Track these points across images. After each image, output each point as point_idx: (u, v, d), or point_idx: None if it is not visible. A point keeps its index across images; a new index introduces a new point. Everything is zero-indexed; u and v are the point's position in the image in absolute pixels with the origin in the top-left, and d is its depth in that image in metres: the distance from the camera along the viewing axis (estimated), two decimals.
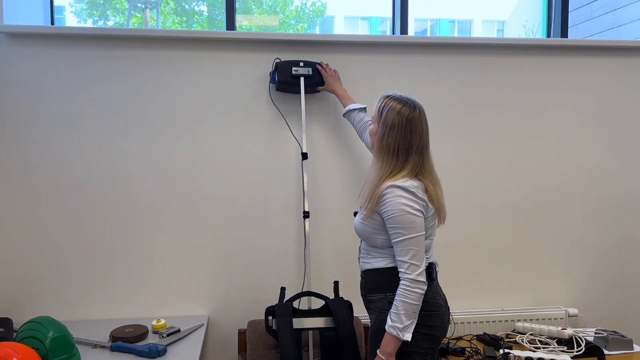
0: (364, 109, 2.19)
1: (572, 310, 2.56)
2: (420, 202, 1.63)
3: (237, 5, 2.57)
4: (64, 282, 2.32)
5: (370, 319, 1.78)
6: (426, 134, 1.70)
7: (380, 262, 1.72)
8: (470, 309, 2.58)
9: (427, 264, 1.69)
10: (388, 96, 1.73)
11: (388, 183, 1.63)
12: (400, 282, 1.61)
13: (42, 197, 2.28)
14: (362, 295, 1.80)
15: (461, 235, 2.56)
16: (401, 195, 1.61)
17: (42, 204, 2.29)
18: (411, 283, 1.59)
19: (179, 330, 2.15)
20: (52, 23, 2.83)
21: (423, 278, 1.61)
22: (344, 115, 2.25)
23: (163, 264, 2.37)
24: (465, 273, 2.58)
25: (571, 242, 2.65)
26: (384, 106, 1.71)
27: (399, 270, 1.63)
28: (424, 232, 1.64)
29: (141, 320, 2.30)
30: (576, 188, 2.63)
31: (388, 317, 1.63)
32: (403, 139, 1.65)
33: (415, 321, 1.61)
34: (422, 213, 1.64)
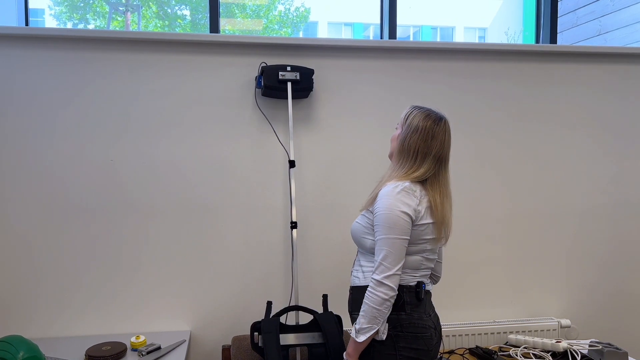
0: None
1: (565, 322, 2.52)
2: (411, 205, 1.56)
3: (220, 9, 2.50)
4: (35, 297, 2.21)
5: None
6: (447, 146, 1.66)
7: (366, 279, 1.66)
8: (460, 321, 2.53)
9: (415, 282, 1.62)
10: (417, 106, 1.70)
11: (391, 181, 1.61)
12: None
13: (13, 206, 2.17)
14: (349, 312, 1.74)
15: (450, 245, 2.50)
16: (392, 193, 1.57)
17: (12, 213, 2.17)
18: (375, 285, 1.54)
19: (159, 348, 2.06)
20: (27, 25, 2.71)
21: (391, 283, 1.52)
22: None
23: (142, 276, 2.27)
24: (455, 283, 2.52)
25: (564, 251, 2.61)
26: (411, 113, 1.68)
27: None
28: (406, 237, 1.56)
29: (119, 336, 2.20)
30: (568, 196, 2.59)
31: None
32: (424, 142, 1.62)
33: (377, 327, 1.54)
34: (410, 217, 1.56)
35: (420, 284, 1.63)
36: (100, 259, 2.24)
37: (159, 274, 2.28)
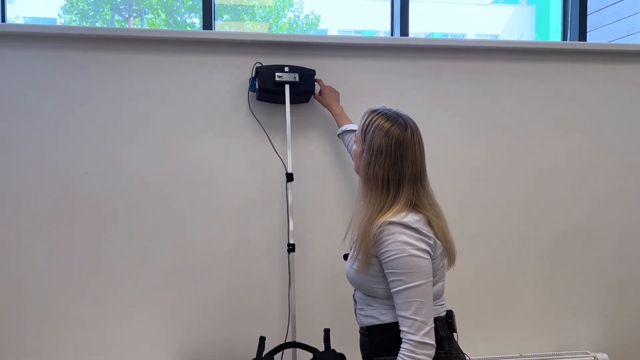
0: None
1: (602, 356, 2.29)
2: (426, 240, 1.36)
3: (220, 10, 2.35)
4: (5, 328, 2.02)
5: None
6: (420, 160, 1.43)
7: (386, 315, 1.43)
8: (482, 355, 2.29)
9: (444, 312, 1.45)
10: (374, 111, 1.46)
11: (382, 220, 1.36)
12: (402, 345, 1.33)
13: None
14: (367, 358, 1.51)
15: (470, 269, 2.27)
16: (402, 232, 1.34)
17: None
18: (415, 347, 1.30)
19: None
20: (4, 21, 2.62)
21: (431, 340, 1.31)
22: (338, 135, 2.08)
23: (120, 303, 2.09)
24: (473, 311, 2.30)
25: (600, 274, 2.39)
26: (369, 124, 1.44)
27: (400, 328, 1.34)
28: (431, 279, 1.36)
29: None
30: (606, 210, 2.38)
31: None
32: (393, 167, 1.39)
33: None
34: (429, 254, 1.36)
35: (450, 314, 1.47)
36: (77, 287, 2.05)
37: (139, 301, 2.10)
